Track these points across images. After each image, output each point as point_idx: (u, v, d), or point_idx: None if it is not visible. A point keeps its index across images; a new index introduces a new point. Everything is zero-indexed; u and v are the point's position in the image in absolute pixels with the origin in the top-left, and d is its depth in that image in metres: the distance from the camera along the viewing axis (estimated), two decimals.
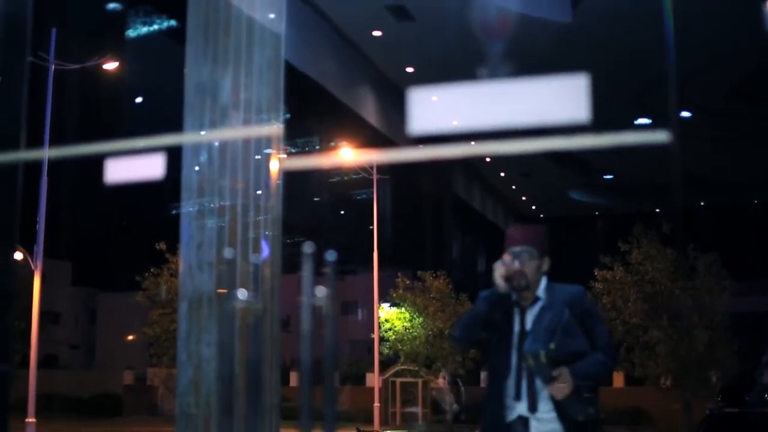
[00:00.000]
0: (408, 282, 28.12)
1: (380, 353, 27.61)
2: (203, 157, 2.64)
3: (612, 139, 1.97)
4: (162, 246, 26.25)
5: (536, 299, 3.63)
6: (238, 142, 2.65)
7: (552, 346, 3.43)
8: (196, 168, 2.60)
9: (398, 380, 30.18)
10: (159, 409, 36.64)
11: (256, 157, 2.66)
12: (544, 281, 3.67)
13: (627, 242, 24.50)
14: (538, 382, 3.51)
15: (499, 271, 3.54)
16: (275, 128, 2.22)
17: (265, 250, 2.59)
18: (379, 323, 27.89)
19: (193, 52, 2.97)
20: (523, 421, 3.55)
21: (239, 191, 2.72)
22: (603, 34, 23.40)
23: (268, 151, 2.59)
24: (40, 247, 16.58)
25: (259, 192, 2.64)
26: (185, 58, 3.03)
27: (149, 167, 2.35)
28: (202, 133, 2.60)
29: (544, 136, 2.11)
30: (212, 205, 2.61)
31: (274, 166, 2.53)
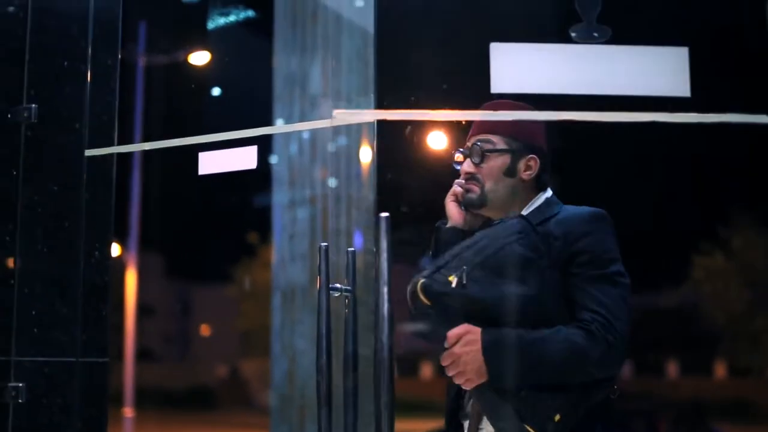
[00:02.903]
0: None
1: None
2: (293, 148, 2.62)
3: (712, 118, 1.87)
4: (253, 238, 26.68)
5: None
6: (328, 131, 2.62)
7: (455, 275, 1.69)
8: (287, 159, 2.58)
9: None
10: (253, 401, 37.36)
11: (347, 146, 2.62)
12: (541, 197, 1.89)
13: (727, 227, 23.86)
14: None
15: (452, 190, 1.96)
16: (365, 116, 2.17)
17: (359, 240, 2.55)
18: None
19: (281, 42, 2.96)
20: None
21: (330, 181, 2.69)
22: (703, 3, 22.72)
23: (358, 139, 2.55)
24: (134, 241, 17.03)
25: (351, 181, 2.60)
26: (273, 49, 3.02)
27: (240, 159, 2.34)
28: (292, 123, 2.58)
29: (640, 109, 2.02)
30: (303, 196, 2.59)
31: (365, 155, 2.48)
